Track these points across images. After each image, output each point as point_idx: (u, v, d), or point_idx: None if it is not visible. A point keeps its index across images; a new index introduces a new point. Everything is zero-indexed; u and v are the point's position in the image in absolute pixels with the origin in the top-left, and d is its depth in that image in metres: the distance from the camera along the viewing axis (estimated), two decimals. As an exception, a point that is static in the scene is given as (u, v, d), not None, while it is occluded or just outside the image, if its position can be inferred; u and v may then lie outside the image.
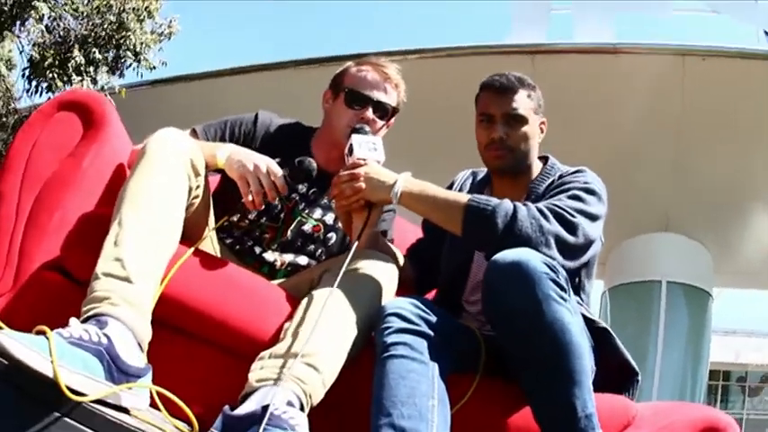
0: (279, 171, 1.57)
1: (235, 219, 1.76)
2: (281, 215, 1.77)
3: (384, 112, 1.80)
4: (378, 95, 1.79)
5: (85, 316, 1.18)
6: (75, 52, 6.30)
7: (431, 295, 1.85)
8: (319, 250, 1.82)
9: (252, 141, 1.79)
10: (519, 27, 8.09)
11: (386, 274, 1.50)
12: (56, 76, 6.38)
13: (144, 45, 6.85)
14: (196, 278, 1.45)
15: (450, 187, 1.85)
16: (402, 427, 1.20)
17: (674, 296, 8.52)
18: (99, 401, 1.06)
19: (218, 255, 1.70)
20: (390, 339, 1.31)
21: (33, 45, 6.39)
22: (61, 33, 6.34)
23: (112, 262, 1.22)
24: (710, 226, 8.66)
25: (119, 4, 6.52)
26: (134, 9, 6.48)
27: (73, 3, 6.61)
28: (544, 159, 1.79)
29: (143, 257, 1.26)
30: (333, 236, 1.83)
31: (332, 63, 8.11)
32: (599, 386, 1.58)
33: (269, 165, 1.57)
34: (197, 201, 1.52)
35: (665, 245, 8.73)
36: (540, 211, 1.46)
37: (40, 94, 6.70)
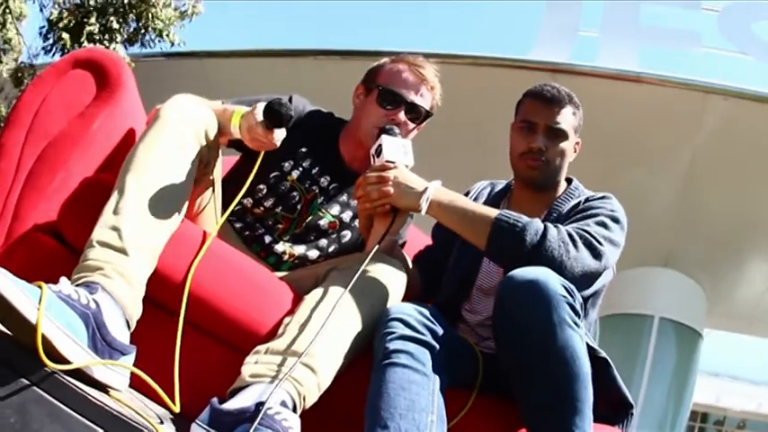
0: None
1: (249, 203, 1.70)
2: (299, 207, 1.71)
3: (417, 114, 1.74)
4: (412, 97, 1.72)
5: (76, 284, 1.11)
6: (92, 19, 6.30)
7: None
8: (332, 247, 1.75)
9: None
10: (544, 43, 8.03)
11: (396, 281, 1.44)
12: (68, 39, 6.40)
13: (167, 21, 6.88)
14: (202, 264, 1.36)
15: (465, 196, 1.79)
16: None
17: (664, 332, 8.53)
18: (76, 371, 0.99)
19: (225, 238, 1.62)
20: (392, 346, 1.25)
21: (54, 3, 6.39)
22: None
23: (109, 231, 1.16)
24: (709, 266, 8.67)
25: None
26: None
27: None
28: (568, 180, 1.75)
29: (142, 230, 1.20)
30: (348, 234, 1.77)
31: (351, 57, 8.09)
32: (594, 417, 1.54)
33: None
34: (206, 175, 1.46)
35: (662, 280, 8.73)
36: (570, 235, 1.44)
37: (53, 55, 6.71)
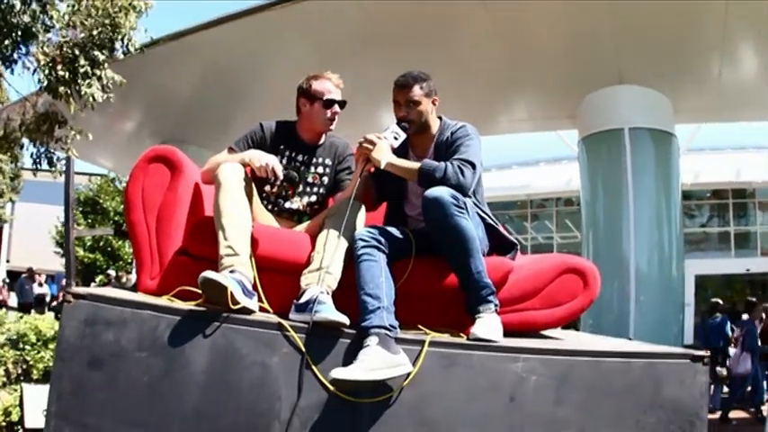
0: (278, 167, 2.79)
1: (269, 189, 3.05)
2: (298, 182, 3.05)
3: (342, 104, 3.07)
4: (337, 96, 3.07)
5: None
6: (82, 61, 7.00)
7: (382, 209, 3.10)
8: (321, 189, 3.10)
9: (264, 140, 3.03)
10: None
11: (360, 215, 2.75)
12: (69, 85, 7.07)
13: (131, 30, 7.32)
14: (265, 241, 2.71)
15: None
16: (369, 293, 2.39)
17: (637, 140, 9.44)
18: (242, 308, 2.37)
19: (268, 220, 2.97)
20: (359, 252, 2.55)
21: (42, 67, 6.99)
22: (66, 50, 6.95)
23: (227, 248, 2.51)
24: (660, 70, 9.35)
25: (104, 5, 7.13)
26: (121, 7, 7.13)
27: (66, 13, 7.18)
28: (440, 118, 2.99)
29: (240, 240, 2.53)
30: (325, 179, 3.11)
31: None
32: (497, 252, 2.89)
33: (267, 160, 2.77)
34: (252, 196, 2.78)
35: (620, 95, 9.61)
36: (459, 167, 2.65)
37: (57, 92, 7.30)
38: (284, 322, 2.32)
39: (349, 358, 2.26)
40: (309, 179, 3.09)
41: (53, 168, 7.73)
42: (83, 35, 7.25)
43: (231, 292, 2.32)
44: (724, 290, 18.93)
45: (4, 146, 7.79)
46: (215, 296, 2.35)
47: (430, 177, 2.66)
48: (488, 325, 2.52)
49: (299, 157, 3.08)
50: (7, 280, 21.77)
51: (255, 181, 2.94)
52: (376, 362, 2.20)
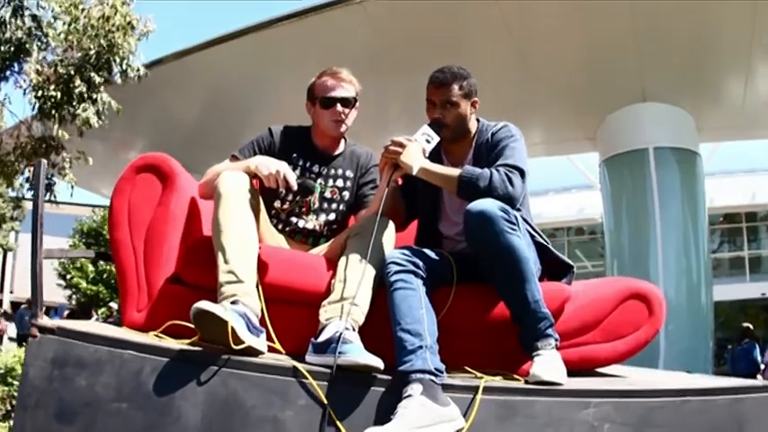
0: (291, 175, 2.30)
1: (279, 206, 2.59)
2: (312, 194, 2.57)
3: (347, 102, 2.60)
4: (339, 93, 2.59)
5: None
6: (78, 82, 6.77)
7: (412, 230, 2.63)
8: (341, 206, 2.65)
9: (273, 147, 2.58)
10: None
11: (388, 234, 2.28)
12: (63, 107, 6.87)
13: (130, 53, 7.23)
14: (276, 266, 2.26)
15: None
16: (407, 329, 1.98)
17: (661, 160, 9.15)
18: (247, 348, 1.89)
19: (278, 242, 2.52)
20: (392, 279, 2.10)
21: (34, 87, 6.80)
22: (60, 70, 6.75)
23: (227, 274, 2.03)
24: (684, 89, 9.14)
25: (101, 24, 6.97)
26: (119, 26, 6.90)
27: (62, 32, 6.98)
28: (477, 120, 2.54)
29: (244, 265, 2.06)
30: (346, 194, 2.66)
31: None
32: (547, 277, 2.44)
33: (278, 167, 2.30)
34: (258, 211, 2.30)
35: (644, 114, 9.32)
36: (506, 173, 2.22)
37: (49, 113, 7.08)
38: (300, 366, 1.87)
39: (384, 413, 1.81)
40: (327, 194, 2.63)
41: (51, 194, 7.42)
42: (79, 55, 6.99)
43: (232, 328, 1.86)
44: (739, 315, 18.73)
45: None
46: (212, 333, 1.90)
47: (473, 186, 2.22)
48: (550, 364, 2.08)
49: (315, 168, 2.63)
50: (9, 311, 21.48)
51: (263, 196, 2.50)
52: (421, 417, 1.74)
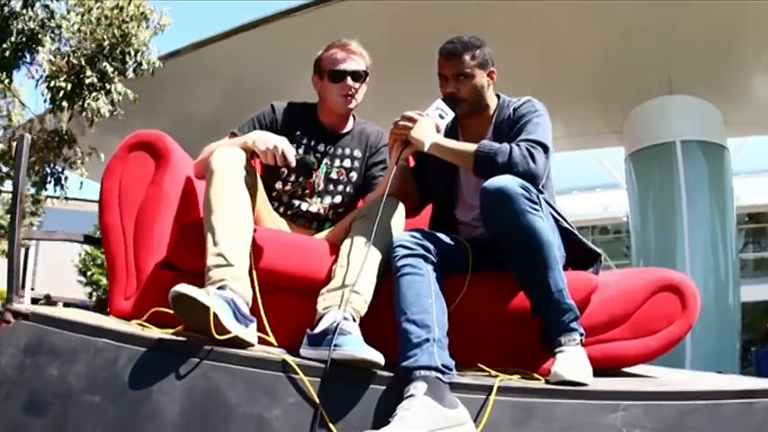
0: (290, 150, 2.08)
1: (280, 187, 2.38)
2: (313, 172, 2.34)
3: (357, 77, 2.39)
4: (350, 66, 2.38)
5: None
6: (89, 72, 6.68)
7: (428, 212, 2.42)
8: (348, 188, 2.44)
9: (275, 124, 2.38)
10: None
11: (397, 216, 2.07)
12: (74, 99, 6.79)
13: (144, 46, 7.17)
14: (271, 249, 2.07)
15: None
16: (413, 319, 1.77)
17: (689, 154, 8.87)
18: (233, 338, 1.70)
19: (278, 225, 2.33)
20: (399, 263, 1.89)
21: (46, 78, 6.73)
22: (73, 61, 6.66)
23: (216, 257, 1.84)
24: (712, 81, 8.83)
25: (115, 14, 6.87)
26: (133, 17, 6.79)
27: (75, 23, 6.91)
28: (498, 96, 2.31)
29: (235, 247, 1.87)
30: (354, 174, 2.45)
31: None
32: (572, 266, 2.21)
33: (276, 142, 2.09)
34: (254, 191, 2.10)
35: (672, 106, 9.04)
36: (527, 149, 2.00)
37: (59, 105, 7.03)
38: (291, 360, 1.67)
39: (383, 414, 1.59)
40: (333, 174, 2.43)
41: (61, 189, 7.34)
42: (93, 46, 6.90)
43: (215, 315, 1.66)
44: (764, 317, 18.40)
45: (11, 163, 7.40)
46: (194, 321, 1.71)
47: (490, 162, 1.99)
48: (574, 362, 1.86)
49: (320, 147, 2.43)
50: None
51: (264, 176, 2.30)
52: (423, 420, 1.52)
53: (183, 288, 1.67)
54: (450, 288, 1.95)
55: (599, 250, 2.28)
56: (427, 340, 1.70)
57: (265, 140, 2.08)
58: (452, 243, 2.05)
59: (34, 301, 23.62)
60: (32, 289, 28.60)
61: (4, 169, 7.85)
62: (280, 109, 2.41)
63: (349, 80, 2.37)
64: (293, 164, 2.09)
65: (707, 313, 8.49)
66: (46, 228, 23.24)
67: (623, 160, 10.26)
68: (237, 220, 1.93)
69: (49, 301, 16.71)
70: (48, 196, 7.77)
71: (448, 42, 2.23)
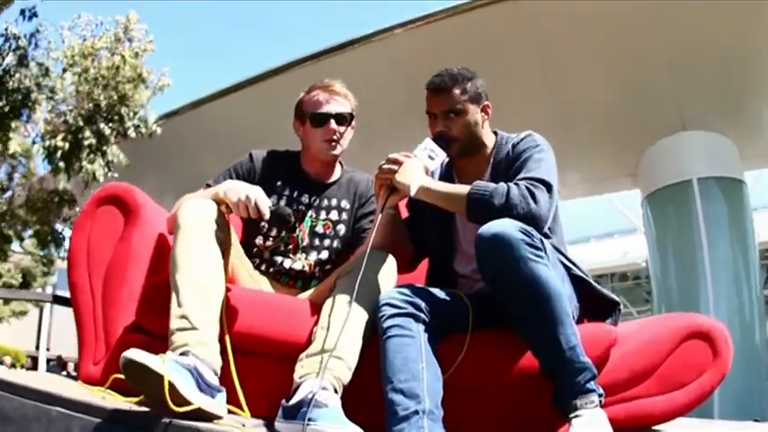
0: (264, 201, 1.87)
1: (260, 242, 2.17)
2: (296, 225, 2.14)
3: (342, 119, 2.19)
4: (333, 109, 2.18)
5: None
6: (87, 133, 6.62)
7: (424, 266, 2.19)
8: (335, 242, 2.22)
9: (253, 174, 2.19)
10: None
11: (386, 270, 1.86)
12: (72, 159, 6.72)
13: (141, 107, 7.15)
14: (246, 310, 1.86)
15: None
16: (400, 388, 1.55)
17: (706, 191, 8.59)
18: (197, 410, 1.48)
19: (259, 284, 2.11)
20: (386, 324, 1.67)
21: (43, 136, 6.70)
22: (68, 120, 6.62)
23: (179, 319, 1.63)
24: (726, 115, 8.62)
25: (111, 74, 6.83)
26: (129, 78, 6.75)
27: (72, 82, 6.88)
28: (496, 133, 2.10)
29: (200, 309, 1.66)
30: (341, 228, 2.23)
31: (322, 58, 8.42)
32: (587, 317, 1.96)
33: (247, 192, 1.88)
34: (227, 246, 1.90)
35: (686, 143, 8.79)
36: (527, 188, 1.79)
37: (57, 165, 6.96)
38: (258, 437, 1.42)
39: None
40: (319, 228, 2.21)
41: (58, 250, 7.25)
42: (90, 106, 6.86)
43: (171, 385, 1.44)
44: None
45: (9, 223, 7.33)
46: (149, 390, 1.50)
47: (485, 205, 1.78)
48: (592, 428, 1.61)
49: (304, 198, 2.22)
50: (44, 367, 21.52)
51: (245, 232, 2.11)
52: None
53: (134, 354, 1.46)
54: (446, 351, 1.72)
55: (617, 298, 2.02)
56: (416, 412, 1.48)
57: (237, 191, 1.88)
58: (449, 299, 1.83)
59: (48, 361, 23.48)
60: (48, 349, 28.51)
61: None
62: (259, 158, 2.22)
63: (333, 123, 2.17)
64: (267, 215, 1.88)
65: (734, 354, 8.15)
66: (60, 289, 23.29)
67: (640, 204, 10.01)
68: (205, 279, 1.72)
69: (60, 361, 16.51)
70: (61, 257, 7.66)
71: (436, 76, 2.03)
